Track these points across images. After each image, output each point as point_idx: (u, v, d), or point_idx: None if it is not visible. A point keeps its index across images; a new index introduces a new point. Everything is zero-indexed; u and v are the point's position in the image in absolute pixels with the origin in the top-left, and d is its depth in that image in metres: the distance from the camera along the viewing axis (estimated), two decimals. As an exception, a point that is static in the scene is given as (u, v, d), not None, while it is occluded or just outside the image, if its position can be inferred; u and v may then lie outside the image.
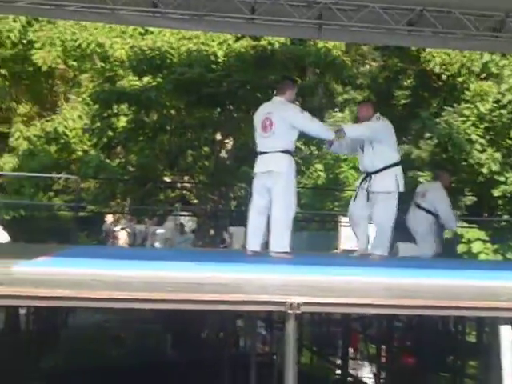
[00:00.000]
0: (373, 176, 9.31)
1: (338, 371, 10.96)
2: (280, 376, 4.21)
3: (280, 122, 8.57)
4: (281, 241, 8.38)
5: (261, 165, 8.70)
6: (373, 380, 10.83)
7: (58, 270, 5.11)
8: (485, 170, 19.90)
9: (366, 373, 11.30)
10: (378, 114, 9.81)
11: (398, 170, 9.42)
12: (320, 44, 18.15)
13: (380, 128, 9.43)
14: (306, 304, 4.00)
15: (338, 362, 11.35)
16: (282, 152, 8.59)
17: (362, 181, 9.59)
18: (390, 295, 4.41)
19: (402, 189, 9.33)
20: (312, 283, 4.95)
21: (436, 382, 7.93)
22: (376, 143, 9.28)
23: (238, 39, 18.44)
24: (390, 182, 9.21)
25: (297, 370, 4.06)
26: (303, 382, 4.12)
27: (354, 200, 9.65)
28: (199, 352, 11.05)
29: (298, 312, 3.99)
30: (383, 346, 11.96)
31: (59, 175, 21.14)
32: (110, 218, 21.46)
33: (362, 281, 5.28)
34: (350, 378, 10.05)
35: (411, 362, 11.67)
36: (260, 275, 5.29)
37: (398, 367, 10.92)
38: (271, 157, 8.59)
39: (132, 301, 4.01)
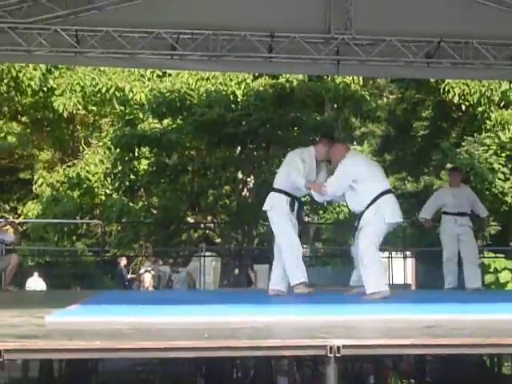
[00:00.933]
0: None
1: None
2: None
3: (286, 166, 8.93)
4: (294, 274, 8.41)
5: None
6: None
7: (92, 320, 5.08)
8: (509, 199, 19.83)
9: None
10: (351, 151, 9.46)
11: (383, 199, 8.92)
12: (338, 79, 18.20)
13: (353, 169, 8.93)
14: (346, 347, 3.94)
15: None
16: (276, 191, 8.82)
17: (356, 222, 9.18)
18: (430, 334, 4.33)
19: (389, 219, 8.82)
20: (350, 324, 4.89)
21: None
22: (356, 184, 8.91)
23: (256, 78, 18.55)
24: (368, 214, 8.78)
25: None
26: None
27: (353, 242, 9.33)
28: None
29: (338, 355, 3.93)
30: (415, 381, 11.80)
31: (83, 220, 21.19)
32: (123, 261, 21.39)
33: (398, 319, 5.20)
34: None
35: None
36: (297, 317, 5.23)
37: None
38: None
39: (169, 350, 3.96)
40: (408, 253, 18.98)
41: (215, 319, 5.12)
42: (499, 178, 20.21)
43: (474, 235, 12.00)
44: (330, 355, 3.93)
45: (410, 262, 19.55)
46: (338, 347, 3.91)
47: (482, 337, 4.23)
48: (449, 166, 22.69)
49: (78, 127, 24.57)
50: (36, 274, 18.00)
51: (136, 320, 4.97)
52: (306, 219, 24.34)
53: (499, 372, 10.29)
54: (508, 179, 19.80)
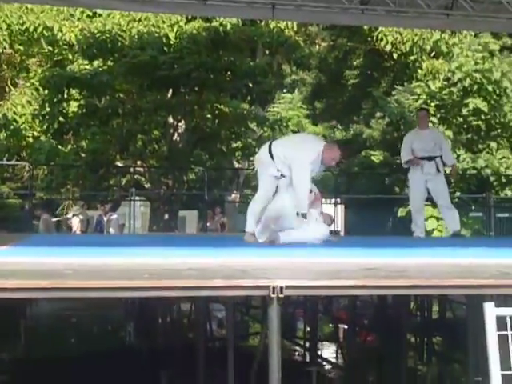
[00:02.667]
0: None
1: (304, 352, 10.94)
2: (263, 360, 4.14)
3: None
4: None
5: None
6: (338, 359, 10.84)
7: (28, 260, 4.96)
8: (437, 148, 20.06)
9: (330, 353, 11.29)
10: None
11: None
12: (272, 24, 18.05)
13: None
14: (289, 287, 3.92)
15: (302, 342, 11.35)
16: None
17: None
18: (371, 276, 4.35)
19: None
20: (294, 266, 4.89)
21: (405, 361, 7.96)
22: None
23: (189, 21, 18.26)
24: None
25: (280, 355, 4.00)
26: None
27: None
28: (174, 339, 10.94)
29: (281, 296, 3.92)
30: (345, 326, 12.01)
31: (9, 162, 20.75)
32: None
33: (341, 262, 5.24)
34: (316, 360, 10.03)
35: (372, 341, 11.72)
36: (240, 259, 5.21)
37: (360, 346, 10.96)
38: None
39: (109, 290, 3.88)
40: (338, 200, 19.13)
41: (157, 261, 5.06)
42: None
43: (444, 179, 11.40)
44: (272, 296, 3.91)
45: (340, 209, 19.72)
46: (281, 288, 3.89)
47: (423, 278, 4.27)
48: (379, 114, 22.94)
49: (4, 67, 23.82)
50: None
51: (74, 261, 4.86)
52: (237, 165, 24.32)
53: (428, 317, 10.55)
54: (437, 128, 20.03)
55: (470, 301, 5.56)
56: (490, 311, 3.84)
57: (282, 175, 8.18)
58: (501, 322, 3.81)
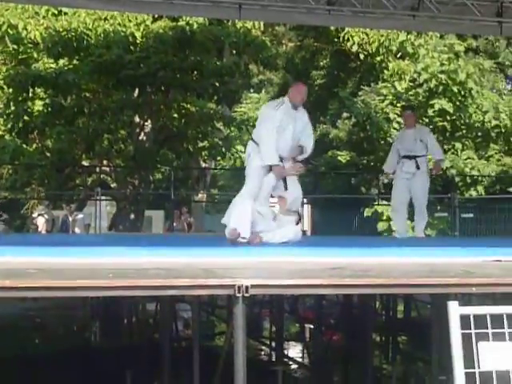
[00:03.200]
0: None
1: (271, 352, 10.96)
2: (228, 360, 4.13)
3: None
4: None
5: None
6: (304, 358, 10.86)
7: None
8: (403, 148, 20.19)
9: (296, 352, 11.32)
10: None
11: None
12: (239, 24, 18.04)
13: None
14: (254, 286, 3.92)
15: (268, 342, 11.36)
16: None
17: None
18: (336, 275, 4.36)
19: None
20: (259, 265, 4.88)
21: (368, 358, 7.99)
22: None
23: (155, 20, 18.20)
24: None
25: (245, 354, 4.00)
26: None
27: None
28: (139, 338, 10.91)
29: (246, 295, 3.91)
30: (311, 325, 12.03)
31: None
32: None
33: (307, 261, 5.24)
34: (282, 359, 10.05)
35: (338, 340, 11.76)
36: (206, 258, 5.20)
37: (326, 345, 10.98)
38: None
39: (73, 289, 3.85)
40: (304, 200, 19.17)
41: (121, 260, 5.02)
42: (394, 128, 20.58)
43: (423, 180, 11.26)
44: (238, 295, 3.90)
45: (306, 208, 19.77)
46: (247, 287, 3.89)
47: (389, 277, 4.29)
48: (345, 114, 23.02)
49: (-33, 65, 23.60)
50: None
51: (36, 260, 4.81)
52: (203, 165, 24.28)
53: (393, 316, 10.61)
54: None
55: (435, 300, 5.60)
56: (454, 310, 3.86)
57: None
58: (464, 321, 3.84)
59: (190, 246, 6.76)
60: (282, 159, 8.16)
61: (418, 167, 11.10)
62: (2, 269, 4.40)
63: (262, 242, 7.61)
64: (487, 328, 3.72)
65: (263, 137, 8.13)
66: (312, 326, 11.85)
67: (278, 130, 8.12)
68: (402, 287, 4.26)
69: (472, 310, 3.87)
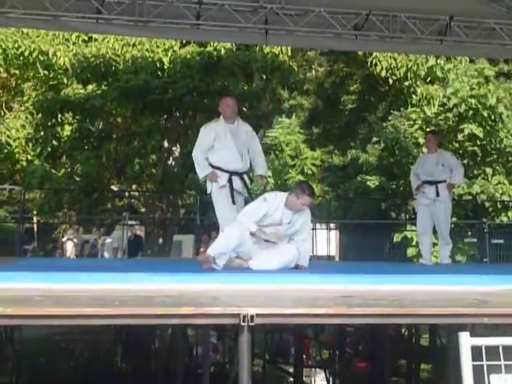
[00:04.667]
0: None
1: (291, 379, 10.86)
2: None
3: None
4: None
5: None
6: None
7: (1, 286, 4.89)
8: (433, 173, 20.03)
9: (320, 379, 11.20)
10: None
11: None
12: (266, 49, 18.08)
13: None
14: (259, 316, 3.87)
15: (291, 369, 11.25)
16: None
17: None
18: (345, 304, 4.29)
19: None
20: (265, 293, 4.82)
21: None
22: None
23: (183, 45, 18.30)
24: None
25: (251, 383, 3.94)
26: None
27: None
28: (151, 364, 10.87)
29: (251, 324, 3.86)
30: (336, 352, 11.90)
31: (3, 186, 20.73)
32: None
33: (314, 289, 5.16)
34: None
35: (364, 367, 11.63)
36: (211, 286, 5.15)
37: (350, 372, 10.87)
38: None
39: (78, 317, 3.84)
40: (332, 225, 19.08)
41: (129, 287, 5.00)
42: (423, 153, 20.40)
43: (444, 206, 11.09)
44: (243, 324, 3.85)
45: (334, 234, 19.67)
46: (252, 316, 3.84)
47: (397, 307, 4.21)
48: (375, 139, 22.91)
49: (0, 91, 23.90)
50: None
51: (46, 287, 4.80)
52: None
53: (417, 343, 10.45)
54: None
55: (448, 329, 5.49)
56: (465, 341, 3.77)
57: None
58: (476, 352, 3.75)
59: (197, 272, 6.70)
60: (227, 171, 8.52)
61: (437, 194, 10.99)
62: (8, 295, 4.40)
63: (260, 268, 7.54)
64: (500, 360, 3.63)
65: (194, 156, 8.65)
66: (333, 352, 11.73)
67: (215, 144, 8.54)
68: (410, 317, 4.17)
69: (484, 341, 3.78)
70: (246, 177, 8.84)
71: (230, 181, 8.57)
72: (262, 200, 8.05)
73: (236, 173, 8.64)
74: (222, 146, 8.58)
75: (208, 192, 8.70)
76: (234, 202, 8.53)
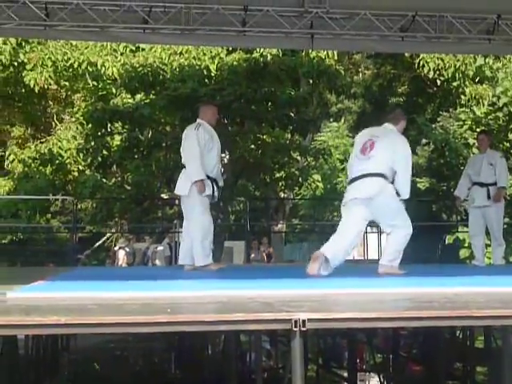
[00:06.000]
0: None
1: (346, 383, 10.81)
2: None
3: (382, 150, 7.68)
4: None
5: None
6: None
7: (53, 295, 4.96)
8: (483, 173, 19.80)
9: (374, 383, 11.12)
10: None
11: None
12: (312, 54, 18.07)
13: None
14: (311, 320, 3.86)
15: (345, 374, 11.19)
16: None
17: None
18: (397, 307, 4.26)
19: None
20: (317, 298, 4.80)
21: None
22: None
23: (229, 52, 18.40)
24: None
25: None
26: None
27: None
28: (204, 370, 10.91)
29: (303, 329, 3.85)
30: (390, 355, 11.80)
31: (55, 197, 21.02)
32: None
33: (366, 293, 5.14)
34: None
35: (418, 371, 11.52)
36: (263, 291, 5.15)
37: (405, 376, 10.76)
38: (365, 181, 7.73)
39: (130, 325, 3.86)
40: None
41: (180, 294, 5.03)
42: (473, 153, 20.20)
43: (496, 209, 10.91)
44: (295, 329, 3.85)
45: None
46: (304, 321, 3.83)
47: (451, 309, 4.17)
48: (424, 141, 22.74)
49: (50, 102, 24.28)
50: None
51: (98, 295, 4.86)
52: (282, 195, 24.29)
53: (472, 345, 10.32)
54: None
55: (505, 330, 5.41)
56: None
57: None
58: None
59: (250, 278, 6.71)
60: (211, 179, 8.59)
61: (489, 197, 10.85)
62: (61, 305, 4.47)
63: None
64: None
65: (189, 156, 8.57)
66: (388, 356, 11.64)
67: (204, 149, 8.56)
68: (465, 319, 4.12)
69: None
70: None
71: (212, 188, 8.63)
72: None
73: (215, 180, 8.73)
74: (209, 152, 8.69)
75: (184, 194, 8.63)
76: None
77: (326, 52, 18.25)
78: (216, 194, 8.71)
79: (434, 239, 21.57)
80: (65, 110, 23.59)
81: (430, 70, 20.52)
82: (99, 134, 18.45)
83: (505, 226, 12.28)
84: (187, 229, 8.86)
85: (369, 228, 18.93)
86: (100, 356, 13.72)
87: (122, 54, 18.97)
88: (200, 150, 8.52)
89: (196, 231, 8.56)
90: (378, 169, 7.62)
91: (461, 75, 20.64)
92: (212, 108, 9.31)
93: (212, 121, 9.01)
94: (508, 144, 20.24)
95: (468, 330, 9.80)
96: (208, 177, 8.55)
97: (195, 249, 8.53)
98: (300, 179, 20.46)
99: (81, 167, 20.12)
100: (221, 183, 8.94)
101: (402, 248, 8.02)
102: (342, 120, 29.98)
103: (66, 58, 19.11)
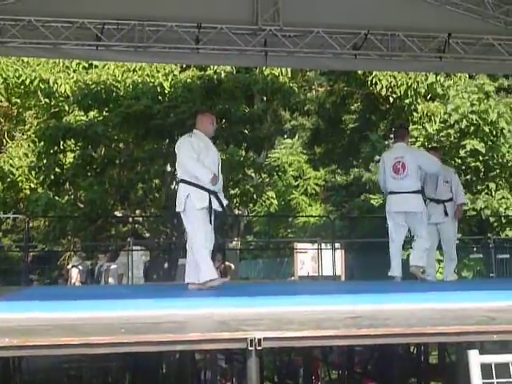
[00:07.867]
0: None
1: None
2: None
3: (412, 165, 10.12)
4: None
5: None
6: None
7: (5, 316, 4.87)
8: (436, 190, 20.00)
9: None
10: None
11: None
12: (266, 71, 18.13)
13: None
14: (266, 339, 3.84)
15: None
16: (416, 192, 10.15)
17: None
18: (353, 324, 4.26)
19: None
20: (272, 316, 4.78)
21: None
22: None
23: (183, 69, 18.37)
24: None
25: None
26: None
27: None
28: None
29: (259, 348, 3.83)
30: (345, 372, 11.83)
31: (7, 215, 20.72)
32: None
33: (321, 311, 5.13)
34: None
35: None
36: (218, 310, 5.11)
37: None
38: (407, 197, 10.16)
39: (84, 346, 3.81)
40: (337, 244, 19.00)
41: (135, 314, 4.97)
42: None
43: (452, 225, 11.16)
44: (250, 348, 3.83)
45: (340, 253, 19.57)
46: (259, 340, 3.81)
47: (405, 326, 4.18)
48: (377, 157, 22.89)
49: (1, 120, 23.94)
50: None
51: (50, 316, 4.78)
52: (236, 212, 24.23)
53: (426, 361, 10.39)
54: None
55: (459, 346, 5.44)
56: (475, 359, 3.73)
57: None
58: (486, 370, 3.71)
59: (204, 297, 6.68)
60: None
61: (446, 213, 11.00)
62: (13, 326, 4.38)
63: None
64: (510, 377, 3.61)
65: (187, 162, 8.37)
66: (342, 372, 11.67)
67: (199, 157, 8.37)
68: (419, 337, 4.14)
69: (493, 359, 3.74)
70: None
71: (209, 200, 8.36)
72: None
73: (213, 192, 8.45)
74: (204, 160, 8.43)
75: (180, 210, 8.45)
76: (211, 222, 8.42)
77: (279, 69, 18.30)
78: (215, 206, 8.41)
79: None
80: (16, 128, 23.27)
81: (382, 87, 20.71)
82: (52, 151, 18.21)
83: (457, 242, 12.43)
84: (188, 245, 8.67)
85: (323, 244, 19.03)
86: (54, 376, 13.51)
87: (74, 71, 18.79)
88: (197, 156, 8.31)
89: (194, 246, 8.40)
90: (414, 186, 10.12)
91: (413, 93, 20.86)
92: (208, 116, 8.94)
93: (209, 130, 8.69)
94: (460, 160, 20.44)
95: (422, 346, 9.86)
96: (203, 188, 8.29)
97: (198, 264, 8.38)
98: (254, 196, 20.43)
99: (33, 185, 19.85)
100: (221, 195, 8.60)
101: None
102: (296, 137, 30.07)
103: (17, 74, 18.87)
